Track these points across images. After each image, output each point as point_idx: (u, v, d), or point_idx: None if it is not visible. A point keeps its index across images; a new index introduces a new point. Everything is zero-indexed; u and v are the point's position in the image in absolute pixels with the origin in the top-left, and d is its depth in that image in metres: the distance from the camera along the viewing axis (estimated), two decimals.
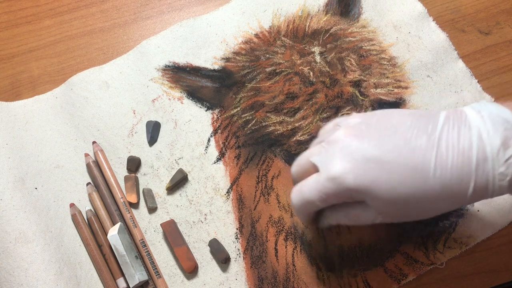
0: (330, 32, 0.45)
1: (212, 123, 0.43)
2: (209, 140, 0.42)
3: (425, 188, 0.27)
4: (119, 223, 0.38)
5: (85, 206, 0.40)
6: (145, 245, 0.39)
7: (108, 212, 0.40)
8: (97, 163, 0.41)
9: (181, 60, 0.45)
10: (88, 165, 0.41)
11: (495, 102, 0.31)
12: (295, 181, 0.34)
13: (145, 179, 0.41)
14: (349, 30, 0.45)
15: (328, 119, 0.41)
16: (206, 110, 0.43)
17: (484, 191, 0.27)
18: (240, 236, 0.39)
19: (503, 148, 0.27)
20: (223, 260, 0.38)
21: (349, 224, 0.32)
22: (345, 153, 0.29)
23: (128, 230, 0.39)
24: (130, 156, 0.41)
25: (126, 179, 0.41)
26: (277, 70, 0.43)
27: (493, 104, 0.28)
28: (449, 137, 0.28)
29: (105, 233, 0.39)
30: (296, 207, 0.33)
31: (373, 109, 0.42)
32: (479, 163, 0.27)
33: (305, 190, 0.31)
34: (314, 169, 0.31)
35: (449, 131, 0.28)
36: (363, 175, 0.28)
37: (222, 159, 0.42)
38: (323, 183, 0.30)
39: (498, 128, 0.27)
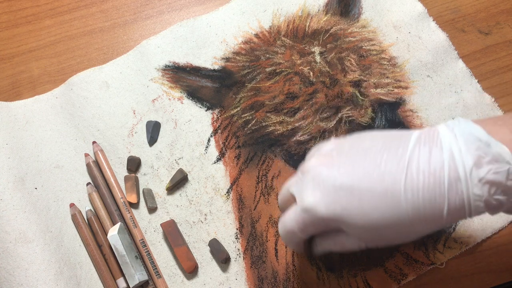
0: (330, 32, 0.45)
1: (212, 123, 0.43)
2: (209, 140, 0.42)
3: (398, 212, 0.27)
4: (119, 223, 0.38)
5: (85, 206, 0.40)
6: (145, 245, 0.39)
7: (108, 212, 0.40)
8: (97, 163, 0.41)
9: (181, 60, 0.45)
10: (88, 165, 0.41)
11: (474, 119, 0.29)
12: (282, 210, 0.34)
13: (145, 179, 0.41)
14: (349, 30, 0.45)
15: (328, 119, 0.41)
16: (206, 110, 0.43)
17: (461, 212, 0.27)
18: (240, 236, 0.39)
19: (476, 167, 0.25)
20: (223, 260, 0.38)
21: (339, 251, 0.32)
22: (316, 182, 0.29)
23: (128, 230, 0.39)
24: (130, 156, 0.41)
25: (126, 179, 0.41)
26: (277, 70, 0.43)
27: (467, 122, 0.27)
28: (420, 158, 0.27)
29: (105, 233, 0.39)
30: (283, 239, 0.33)
31: (373, 109, 0.42)
32: (451, 183, 0.26)
33: (287, 221, 0.31)
34: (294, 198, 0.31)
35: (420, 152, 0.27)
36: (334, 204, 0.28)
37: (222, 159, 0.42)
38: (300, 213, 0.30)
39: (470, 147, 0.26)
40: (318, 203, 0.28)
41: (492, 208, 0.26)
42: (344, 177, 0.28)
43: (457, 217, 0.27)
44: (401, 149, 0.27)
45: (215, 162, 0.41)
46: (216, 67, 0.44)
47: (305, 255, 0.39)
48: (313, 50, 0.44)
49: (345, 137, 0.31)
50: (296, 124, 0.42)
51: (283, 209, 0.33)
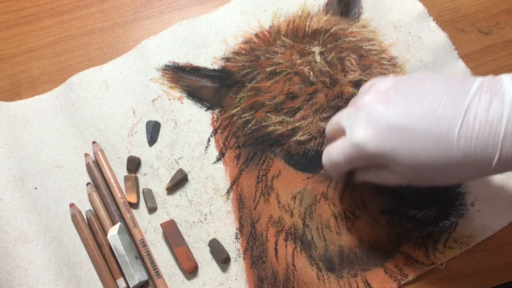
0: (330, 32, 0.45)
1: (212, 123, 0.43)
2: (209, 140, 0.42)
3: (447, 157, 0.27)
4: (119, 223, 0.38)
5: (85, 206, 0.40)
6: (145, 245, 0.39)
7: (108, 212, 0.40)
8: (97, 163, 0.41)
9: (181, 60, 0.45)
10: (88, 165, 0.41)
11: None
12: (328, 140, 0.36)
13: (145, 179, 0.41)
14: (349, 30, 0.45)
15: (328, 119, 0.41)
16: (206, 110, 0.43)
17: (510, 165, 0.27)
18: (240, 236, 0.39)
19: None
20: (223, 260, 0.38)
21: (380, 183, 0.33)
22: (370, 119, 0.30)
23: (128, 230, 0.39)
24: (130, 156, 0.41)
25: (126, 179, 0.41)
26: (277, 70, 0.43)
27: None
28: (479, 106, 0.27)
29: (105, 233, 0.39)
30: (326, 167, 0.34)
31: None
32: (507, 135, 0.26)
33: (333, 153, 0.32)
34: (343, 131, 0.32)
35: (480, 100, 0.27)
36: (385, 142, 0.29)
37: (222, 159, 0.42)
38: (348, 147, 0.31)
39: None
40: (369, 140, 0.29)
41: None
42: (398, 117, 0.28)
43: (505, 168, 0.27)
44: (461, 94, 0.27)
45: (215, 162, 0.41)
46: (216, 67, 0.44)
47: (344, 184, 0.40)
48: (313, 50, 0.44)
49: (403, 76, 0.31)
50: (296, 124, 0.42)
51: (330, 139, 0.35)
